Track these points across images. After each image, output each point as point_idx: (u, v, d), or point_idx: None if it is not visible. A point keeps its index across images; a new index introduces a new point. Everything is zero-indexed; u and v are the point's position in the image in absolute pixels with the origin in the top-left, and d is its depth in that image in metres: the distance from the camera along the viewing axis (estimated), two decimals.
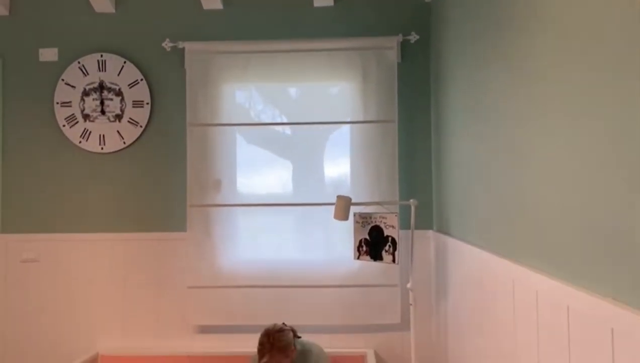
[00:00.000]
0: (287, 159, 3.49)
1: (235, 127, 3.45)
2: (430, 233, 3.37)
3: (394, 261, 2.73)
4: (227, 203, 3.41)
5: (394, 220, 2.73)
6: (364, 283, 3.32)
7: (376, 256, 2.80)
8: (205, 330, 3.43)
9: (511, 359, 1.78)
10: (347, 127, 3.41)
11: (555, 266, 1.45)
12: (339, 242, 3.35)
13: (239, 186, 3.45)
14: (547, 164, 1.51)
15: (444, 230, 3.05)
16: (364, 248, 2.85)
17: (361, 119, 3.35)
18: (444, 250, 2.98)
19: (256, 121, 3.49)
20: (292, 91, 3.52)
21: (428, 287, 3.35)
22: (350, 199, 2.76)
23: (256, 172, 3.45)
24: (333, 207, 2.82)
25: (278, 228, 3.46)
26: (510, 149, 1.83)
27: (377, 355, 3.31)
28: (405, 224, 3.06)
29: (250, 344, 3.17)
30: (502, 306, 1.87)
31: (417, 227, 3.00)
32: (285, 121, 3.52)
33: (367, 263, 3.28)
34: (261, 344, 2.76)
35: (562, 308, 1.36)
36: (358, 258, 2.89)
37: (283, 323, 2.88)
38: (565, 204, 1.39)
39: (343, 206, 2.72)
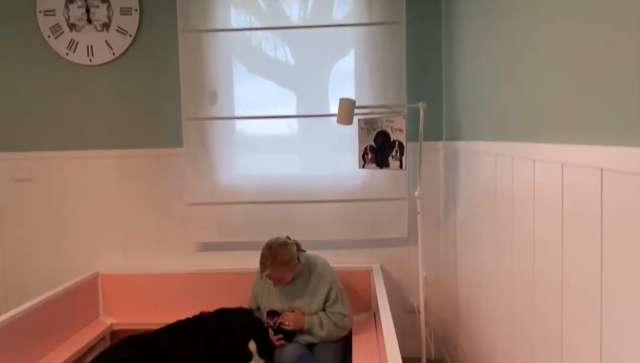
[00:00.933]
0: (290, 90, 3.25)
1: (232, 53, 3.21)
2: (440, 144, 3.19)
3: (401, 166, 2.57)
4: (224, 115, 3.23)
5: (401, 123, 2.55)
6: (370, 197, 3.19)
7: (382, 163, 2.64)
8: (207, 247, 3.34)
9: (530, 255, 1.64)
10: (351, 54, 3.16)
11: (583, 134, 1.28)
12: (343, 155, 3.18)
13: (237, 98, 3.25)
14: (563, 36, 1.31)
15: (454, 136, 2.87)
16: (369, 156, 2.69)
17: (366, 21, 3.10)
18: (455, 157, 2.81)
19: (257, 51, 3.22)
20: (294, 9, 3.20)
21: (437, 199, 3.21)
22: (354, 101, 2.57)
23: (257, 101, 3.22)
24: (336, 119, 2.62)
25: (279, 142, 3.29)
26: (525, 33, 1.62)
27: (383, 270, 3.22)
28: (412, 137, 2.88)
29: (253, 261, 3.06)
30: (521, 197, 1.72)
31: (425, 139, 2.82)
32: (288, 53, 3.23)
33: (373, 176, 3.14)
34: (263, 257, 2.66)
35: (594, 172, 1.19)
36: (363, 166, 2.73)
37: (287, 237, 2.77)
38: (587, 67, 1.20)
39: (346, 108, 2.54)
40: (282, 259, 2.63)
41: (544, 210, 1.51)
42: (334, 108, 3.13)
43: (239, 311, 2.87)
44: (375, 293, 3.11)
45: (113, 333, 3.19)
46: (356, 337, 2.81)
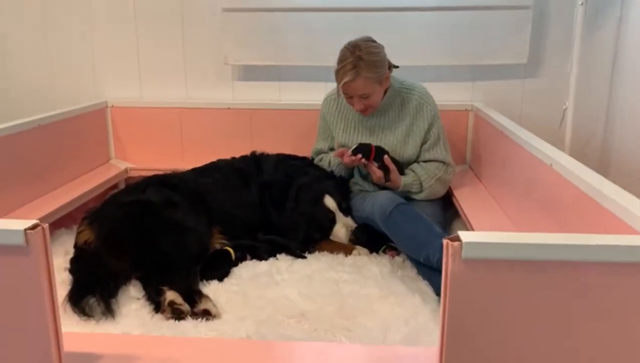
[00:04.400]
0: None
1: None
2: None
3: None
4: None
5: None
6: (480, 4, 2.28)
7: None
8: (249, 74, 2.54)
9: None
10: None
11: None
12: None
13: None
14: None
15: None
16: None
17: None
18: None
19: None
20: None
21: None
22: None
23: None
24: None
25: None
26: None
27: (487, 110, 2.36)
28: None
29: (309, 96, 2.36)
30: None
31: None
32: None
33: None
34: (342, 58, 1.86)
35: None
36: None
37: None
38: None
39: None
40: (370, 59, 1.81)
41: None
42: None
43: (305, 163, 2.12)
44: (471, 141, 2.35)
45: (129, 181, 2.46)
46: (459, 191, 2.06)
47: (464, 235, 0.82)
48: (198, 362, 1.13)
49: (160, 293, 1.52)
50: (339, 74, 1.82)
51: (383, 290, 1.57)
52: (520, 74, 2.38)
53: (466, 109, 2.38)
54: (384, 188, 1.93)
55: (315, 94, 2.31)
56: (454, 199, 2.05)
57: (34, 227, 0.87)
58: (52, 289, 0.88)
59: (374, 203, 1.80)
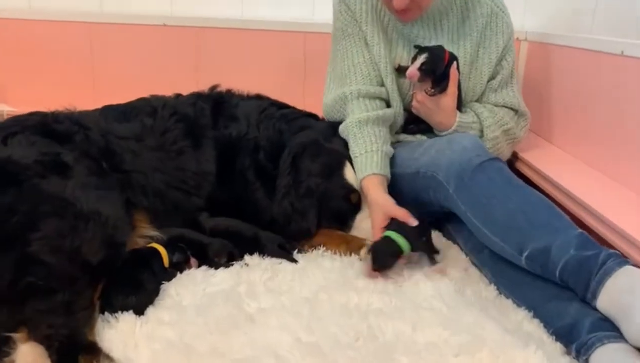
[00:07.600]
0: None
1: None
2: None
3: None
4: None
5: None
6: None
7: None
8: None
9: None
10: None
11: None
12: None
13: None
14: None
15: None
16: None
17: None
18: None
19: None
20: None
21: None
22: None
23: None
24: None
25: None
26: None
27: (542, 40, 1.65)
28: None
29: (287, 11, 1.71)
30: None
31: None
32: None
33: None
34: None
35: None
36: None
37: None
38: None
39: None
40: None
41: None
42: None
43: (299, 112, 1.37)
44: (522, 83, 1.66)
45: None
46: (527, 154, 1.37)
47: None
48: None
49: (9, 344, 0.72)
50: None
51: (458, 333, 0.82)
52: None
53: (518, 38, 1.65)
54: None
55: (296, 8, 1.66)
56: (519, 165, 1.35)
57: None
58: None
59: (448, 147, 1.09)
